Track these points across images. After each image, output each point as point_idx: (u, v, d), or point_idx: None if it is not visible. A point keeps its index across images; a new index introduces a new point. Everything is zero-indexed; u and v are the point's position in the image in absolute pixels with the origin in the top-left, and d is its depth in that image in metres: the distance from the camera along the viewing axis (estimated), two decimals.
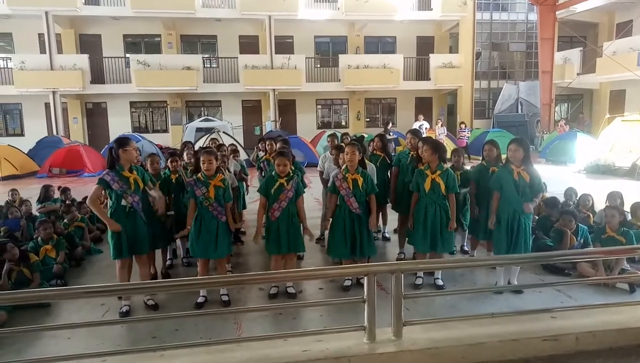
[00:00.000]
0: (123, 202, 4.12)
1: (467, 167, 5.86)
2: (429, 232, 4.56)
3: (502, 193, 4.48)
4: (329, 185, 4.81)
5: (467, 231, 5.71)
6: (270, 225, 4.48)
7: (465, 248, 5.89)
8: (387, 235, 6.60)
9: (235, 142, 9.61)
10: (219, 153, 5.63)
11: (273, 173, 4.50)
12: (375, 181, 4.88)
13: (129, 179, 4.13)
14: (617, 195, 5.93)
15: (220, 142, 7.48)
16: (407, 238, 5.09)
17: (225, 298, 4.42)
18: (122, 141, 4.17)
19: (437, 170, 4.53)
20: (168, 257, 5.56)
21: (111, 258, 4.28)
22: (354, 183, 4.46)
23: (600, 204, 6.36)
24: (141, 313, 4.22)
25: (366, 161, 5.20)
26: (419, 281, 4.78)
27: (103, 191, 4.16)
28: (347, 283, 4.76)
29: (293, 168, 4.78)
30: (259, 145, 7.23)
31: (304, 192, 4.67)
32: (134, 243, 4.22)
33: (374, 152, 6.12)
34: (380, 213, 6.46)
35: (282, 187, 4.39)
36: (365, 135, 11.02)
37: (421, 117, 18.03)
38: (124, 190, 4.10)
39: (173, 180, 5.22)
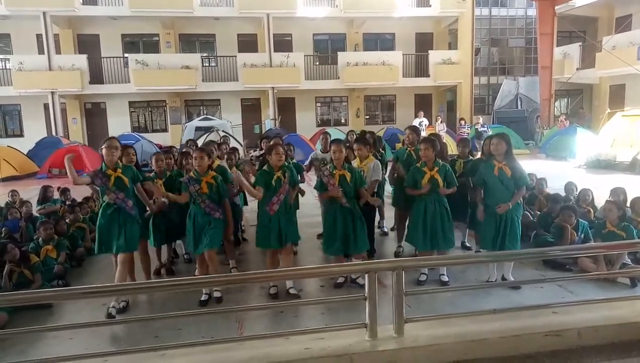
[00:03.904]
0: (105, 198, 4.24)
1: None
2: (428, 230, 4.57)
3: (487, 188, 4.55)
4: (316, 183, 4.80)
5: (467, 227, 5.73)
6: (269, 219, 4.42)
7: (467, 244, 5.89)
8: (385, 229, 6.66)
9: (234, 141, 9.59)
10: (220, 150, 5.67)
11: (267, 167, 4.46)
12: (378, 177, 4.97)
13: (111, 176, 4.21)
14: (620, 191, 5.91)
15: (219, 140, 7.47)
16: (405, 235, 5.11)
17: (217, 294, 4.44)
18: (104, 140, 4.34)
19: (434, 167, 4.55)
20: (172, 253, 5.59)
21: (94, 252, 4.42)
22: (342, 179, 4.47)
23: (600, 199, 6.35)
24: (141, 312, 4.22)
25: (371, 156, 5.19)
26: (423, 277, 4.80)
27: (96, 187, 4.31)
28: (340, 280, 4.77)
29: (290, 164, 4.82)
30: (261, 144, 7.09)
31: (296, 184, 4.76)
32: (117, 239, 4.24)
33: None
34: (377, 209, 6.50)
35: (281, 180, 4.40)
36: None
37: (421, 113, 17.97)
38: (106, 186, 4.20)
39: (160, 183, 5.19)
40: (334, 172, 4.51)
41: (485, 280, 4.74)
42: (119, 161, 4.33)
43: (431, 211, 4.57)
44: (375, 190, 5.33)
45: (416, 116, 17.98)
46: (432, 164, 4.57)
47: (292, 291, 4.57)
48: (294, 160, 5.77)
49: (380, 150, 6.26)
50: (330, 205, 4.61)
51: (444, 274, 4.81)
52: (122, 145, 4.50)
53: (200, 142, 12.36)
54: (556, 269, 5.04)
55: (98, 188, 4.36)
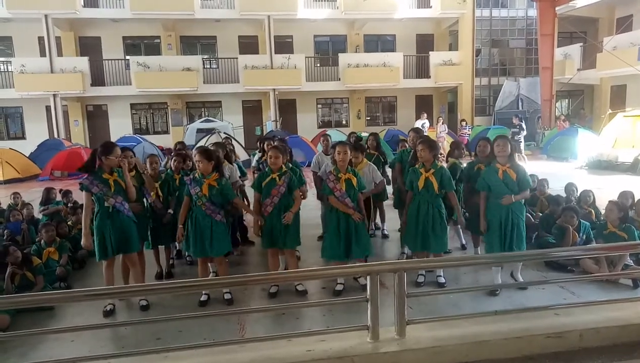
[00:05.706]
0: (106, 204, 4.19)
1: (464, 164, 5.85)
2: (420, 231, 4.53)
3: (491, 192, 4.46)
4: (323, 187, 4.78)
5: (460, 227, 5.71)
6: (265, 219, 4.50)
7: (466, 245, 5.88)
8: (385, 232, 6.61)
9: (235, 143, 9.61)
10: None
11: (267, 169, 4.56)
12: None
13: (109, 180, 4.19)
14: (629, 194, 5.88)
15: (222, 141, 7.56)
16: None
17: (228, 296, 4.44)
18: (108, 148, 4.21)
19: (431, 169, 4.50)
20: (171, 257, 5.57)
21: (96, 259, 4.32)
22: (348, 183, 4.45)
23: (602, 200, 6.34)
24: (140, 315, 4.23)
25: (365, 160, 5.27)
26: (421, 279, 4.79)
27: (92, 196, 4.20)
28: (339, 288, 4.63)
29: (292, 166, 4.82)
30: (259, 145, 7.16)
31: (302, 185, 4.70)
32: (120, 243, 4.26)
33: (368, 150, 6.14)
34: (378, 210, 6.49)
35: (274, 183, 4.41)
36: (365, 134, 10.99)
37: (424, 115, 17.87)
38: (104, 192, 4.16)
39: (177, 180, 5.26)
40: (340, 176, 4.47)
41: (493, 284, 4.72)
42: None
43: (424, 212, 4.51)
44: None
45: (418, 118, 17.94)
46: (429, 166, 4.51)
47: (299, 287, 4.62)
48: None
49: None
50: (333, 210, 4.54)
51: (440, 275, 4.80)
52: (121, 149, 4.50)
53: (202, 143, 12.40)
54: (558, 270, 5.04)
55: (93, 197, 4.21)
